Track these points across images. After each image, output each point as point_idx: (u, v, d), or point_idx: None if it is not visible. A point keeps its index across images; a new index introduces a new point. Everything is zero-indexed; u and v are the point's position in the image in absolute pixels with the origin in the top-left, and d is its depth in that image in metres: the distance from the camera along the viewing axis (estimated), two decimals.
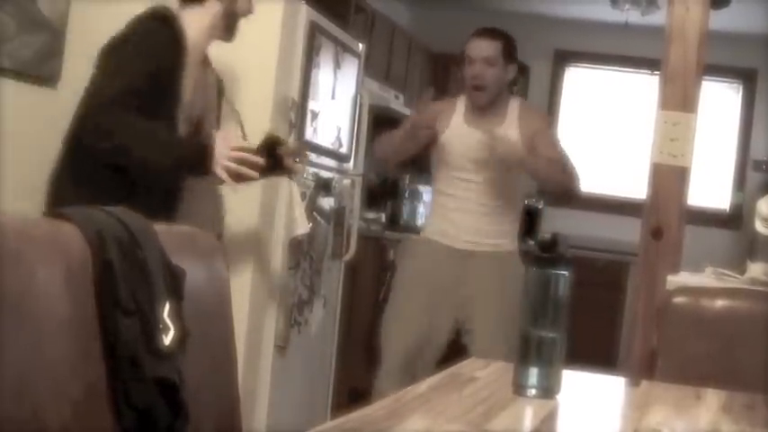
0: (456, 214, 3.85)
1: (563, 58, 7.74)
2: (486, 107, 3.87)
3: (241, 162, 2.74)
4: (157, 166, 2.77)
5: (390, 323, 3.96)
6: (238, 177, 2.77)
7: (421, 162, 7.32)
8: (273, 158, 2.91)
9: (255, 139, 2.94)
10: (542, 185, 3.83)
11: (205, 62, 3.00)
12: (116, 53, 2.75)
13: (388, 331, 3.93)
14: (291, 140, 3.15)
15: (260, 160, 2.78)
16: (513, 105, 3.92)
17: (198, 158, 2.74)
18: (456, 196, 3.86)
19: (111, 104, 2.63)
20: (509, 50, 3.90)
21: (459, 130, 3.88)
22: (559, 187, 3.79)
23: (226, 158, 2.72)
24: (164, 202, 2.84)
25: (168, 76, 2.77)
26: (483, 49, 3.85)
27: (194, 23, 2.89)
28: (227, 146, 2.75)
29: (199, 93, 2.93)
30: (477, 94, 3.86)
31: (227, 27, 3.01)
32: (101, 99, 2.66)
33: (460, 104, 3.96)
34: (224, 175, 2.74)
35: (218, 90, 3.14)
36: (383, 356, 3.90)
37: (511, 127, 3.83)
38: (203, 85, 2.97)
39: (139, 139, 2.70)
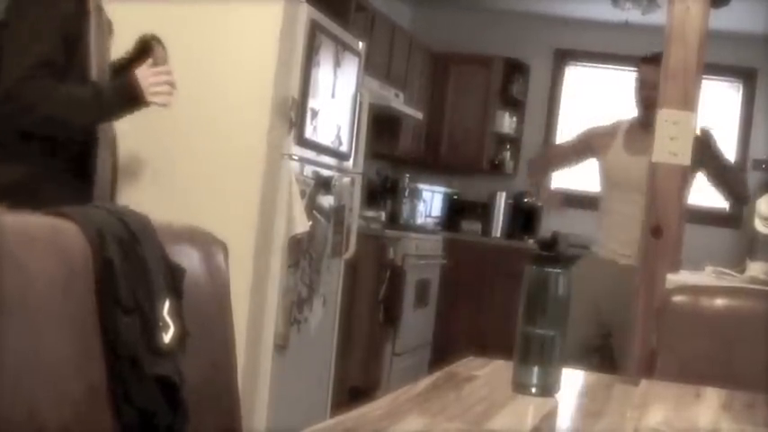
0: (619, 231, 4.11)
1: (563, 56, 7.74)
2: (647, 131, 3.90)
3: (165, 79, 2.84)
4: (92, 123, 2.81)
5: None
6: (165, 96, 2.86)
7: (421, 161, 7.34)
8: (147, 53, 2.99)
9: None
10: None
11: (100, 8, 2.95)
12: (20, 19, 2.73)
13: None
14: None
15: (171, 70, 2.87)
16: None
17: (128, 97, 2.80)
18: (619, 213, 4.12)
19: (28, 76, 2.66)
20: None
21: (618, 156, 4.18)
22: (730, 188, 4.31)
23: (153, 84, 2.80)
24: (80, 165, 2.84)
25: (76, 29, 2.77)
26: (651, 73, 4.06)
27: None
28: (146, 72, 2.83)
29: (101, 38, 2.91)
30: (647, 117, 4.01)
31: None
32: (16, 72, 2.68)
33: (622, 129, 4.24)
34: (160, 99, 2.84)
35: (111, 36, 3.08)
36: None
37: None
38: (102, 30, 2.94)
39: (64, 105, 2.73)
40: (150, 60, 2.94)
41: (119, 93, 2.84)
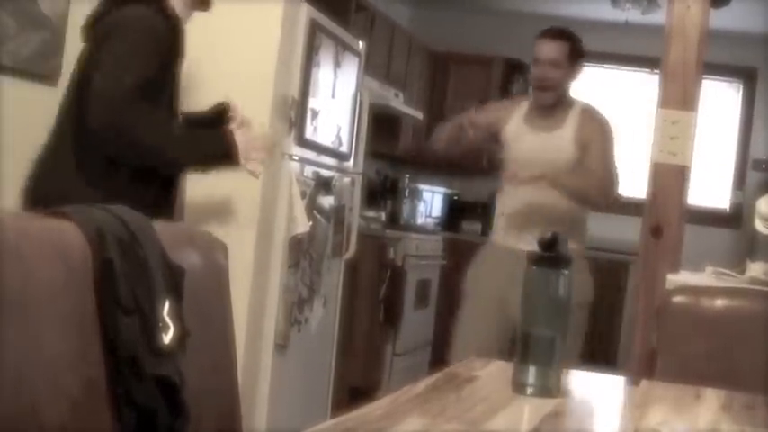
0: (521, 215, 3.83)
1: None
2: (549, 109, 3.85)
3: (257, 148, 2.81)
4: (180, 162, 2.78)
5: (461, 327, 4.00)
6: (256, 163, 2.84)
7: (420, 161, 7.34)
8: (222, 125, 2.96)
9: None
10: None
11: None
12: (120, 40, 2.62)
13: (462, 333, 3.98)
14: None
15: (272, 142, 2.87)
16: (576, 109, 3.87)
17: (222, 153, 2.77)
18: (522, 198, 3.82)
19: (123, 101, 2.53)
20: (575, 52, 3.89)
21: (517, 131, 3.89)
22: (580, 200, 3.81)
23: (252, 149, 2.78)
24: (164, 194, 2.80)
25: (169, 64, 2.72)
26: (549, 50, 3.85)
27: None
28: (247, 138, 2.80)
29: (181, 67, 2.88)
30: (541, 94, 3.87)
31: None
32: (111, 95, 2.54)
33: (524, 105, 3.96)
34: (252, 166, 2.81)
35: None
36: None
37: (567, 132, 3.82)
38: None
39: (160, 135, 2.65)
40: (235, 124, 2.91)
41: (215, 144, 2.79)
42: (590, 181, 3.75)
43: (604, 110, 3.96)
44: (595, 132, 3.82)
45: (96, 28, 2.71)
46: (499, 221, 3.94)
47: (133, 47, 2.61)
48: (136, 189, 2.64)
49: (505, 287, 3.64)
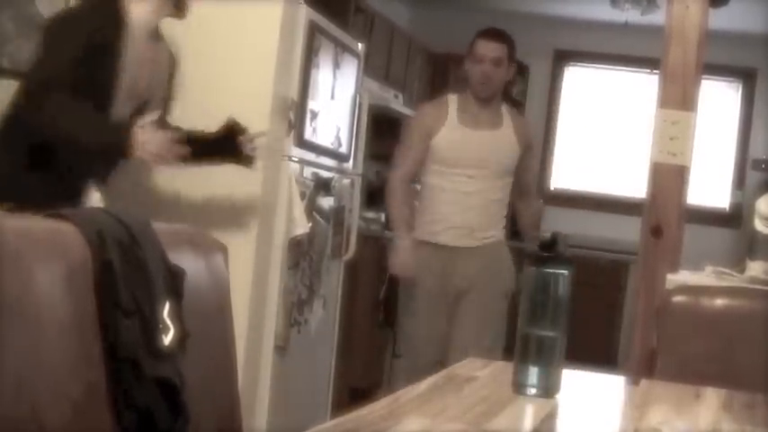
0: (449, 208, 3.97)
1: (563, 57, 7.74)
2: (482, 107, 4.02)
3: (165, 148, 2.83)
4: (81, 145, 2.84)
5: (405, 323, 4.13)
6: (160, 160, 2.88)
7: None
8: (233, 145, 3.09)
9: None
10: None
11: (156, 38, 3.00)
12: (55, 31, 2.82)
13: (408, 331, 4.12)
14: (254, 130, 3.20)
15: (183, 150, 2.86)
16: (505, 110, 4.13)
17: (119, 142, 2.82)
18: (450, 191, 3.97)
19: (45, 84, 2.72)
20: (512, 52, 4.09)
21: (454, 131, 3.99)
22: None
23: (150, 143, 2.80)
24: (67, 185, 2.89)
25: (105, 52, 2.81)
26: (492, 49, 4.00)
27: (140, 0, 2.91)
28: (152, 130, 2.85)
29: (145, 69, 2.94)
30: (483, 90, 4.00)
31: (177, 3, 3.00)
32: (35, 78, 2.77)
33: (452, 103, 4.06)
34: (148, 158, 2.84)
35: (172, 66, 3.13)
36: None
37: (509, 130, 4.05)
38: (152, 62, 2.98)
39: (68, 118, 2.77)
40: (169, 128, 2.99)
41: (115, 130, 2.87)
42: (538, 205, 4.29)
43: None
44: (530, 136, 4.21)
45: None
46: (426, 219, 4.05)
47: (55, 41, 2.79)
48: (40, 177, 2.82)
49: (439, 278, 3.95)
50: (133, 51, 2.87)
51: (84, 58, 2.74)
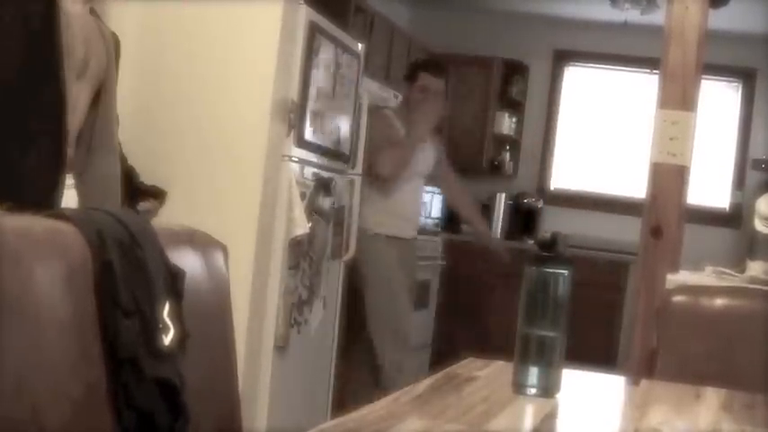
0: (404, 207, 4.70)
1: (562, 57, 7.74)
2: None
3: None
4: None
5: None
6: None
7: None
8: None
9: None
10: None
11: (93, 15, 2.85)
12: None
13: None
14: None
15: None
16: None
17: None
18: (403, 192, 4.65)
19: None
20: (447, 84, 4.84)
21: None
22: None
23: None
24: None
25: (44, 27, 2.65)
26: (437, 84, 4.63)
27: None
28: None
29: (92, 48, 2.79)
30: (429, 120, 4.60)
31: None
32: None
33: (398, 118, 4.69)
34: None
35: (116, 47, 2.96)
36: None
37: (432, 145, 4.85)
38: (96, 40, 2.82)
39: None
40: None
41: None
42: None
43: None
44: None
45: None
46: (389, 214, 4.62)
47: None
48: None
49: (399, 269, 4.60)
50: (74, 28, 2.71)
51: (23, 39, 2.62)
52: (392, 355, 4.37)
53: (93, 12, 2.85)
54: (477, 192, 7.56)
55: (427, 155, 4.76)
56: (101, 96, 2.83)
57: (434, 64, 4.74)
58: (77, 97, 2.74)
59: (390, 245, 4.59)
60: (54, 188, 2.69)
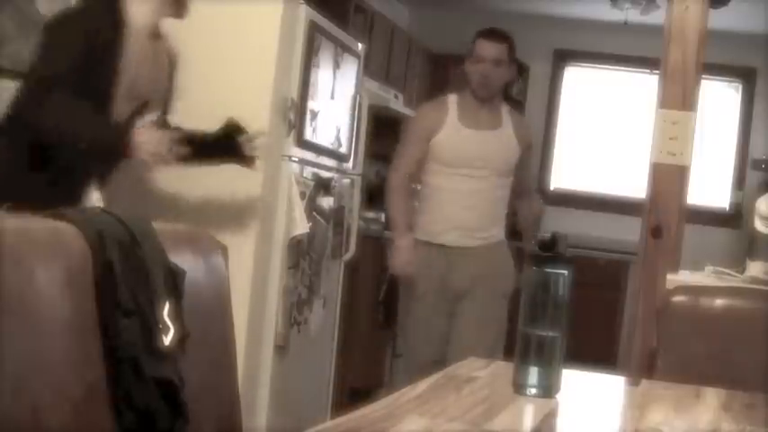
0: (449, 207, 3.97)
1: (562, 57, 7.74)
2: (482, 107, 4.01)
3: (165, 148, 2.83)
4: (80, 145, 2.83)
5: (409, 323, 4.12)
6: (159, 160, 2.88)
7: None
8: (233, 145, 3.08)
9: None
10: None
11: (156, 37, 2.99)
12: (54, 31, 2.82)
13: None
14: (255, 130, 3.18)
15: (182, 150, 2.86)
16: (505, 110, 4.12)
17: (118, 142, 2.81)
18: (450, 191, 3.97)
19: (44, 83, 2.72)
20: (512, 52, 4.08)
21: (455, 131, 3.98)
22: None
23: (149, 143, 2.81)
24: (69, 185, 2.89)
25: (105, 52, 2.81)
26: (492, 49, 3.99)
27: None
28: (151, 130, 2.85)
29: (145, 68, 2.94)
30: (483, 90, 3.99)
31: (177, 3, 2.99)
32: (35, 77, 2.77)
33: (452, 103, 4.04)
34: (147, 158, 2.84)
35: (172, 66, 3.12)
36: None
37: (508, 130, 4.04)
38: (151, 61, 2.97)
39: (68, 118, 2.77)
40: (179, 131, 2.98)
41: (107, 132, 2.86)
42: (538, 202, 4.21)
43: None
44: (530, 136, 4.19)
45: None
46: (427, 219, 4.04)
47: (55, 41, 2.79)
48: (48, 172, 2.81)
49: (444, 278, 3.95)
50: (133, 51, 2.86)
51: (83, 58, 2.74)
52: (406, 352, 4.19)
53: (156, 29, 2.98)
54: None
55: (491, 143, 3.98)
56: (141, 112, 2.97)
57: (489, 29, 4.09)
58: (119, 113, 2.88)
59: (420, 249, 3.97)
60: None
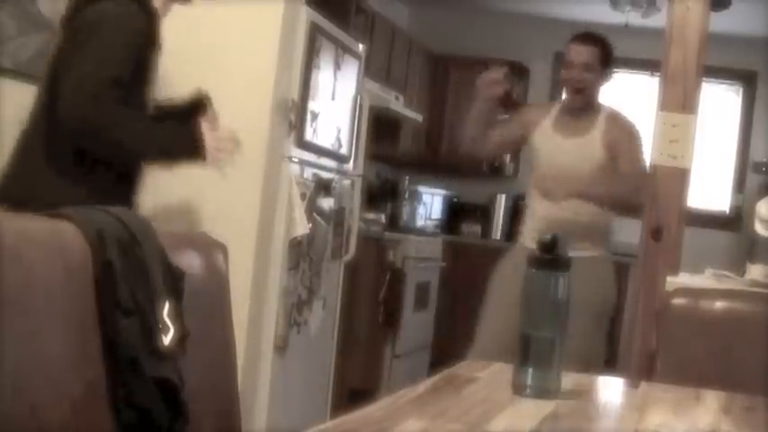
0: (543, 216, 3.87)
1: (563, 59, 7.73)
2: (578, 113, 3.93)
3: (225, 146, 2.85)
4: (150, 156, 2.81)
5: (482, 320, 4.01)
6: (218, 158, 2.86)
7: (421, 163, 7.34)
8: (198, 113, 2.99)
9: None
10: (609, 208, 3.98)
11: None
12: (96, 37, 2.65)
13: (481, 326, 4.01)
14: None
15: (236, 140, 2.88)
16: (604, 114, 3.99)
17: (190, 147, 2.79)
18: (543, 199, 3.89)
19: (99, 97, 2.57)
20: (606, 56, 3.99)
21: (545, 135, 3.95)
22: (623, 208, 4.00)
23: (217, 146, 2.81)
24: (127, 186, 2.82)
25: (145, 58, 2.74)
26: (582, 54, 3.92)
27: None
28: (214, 135, 2.84)
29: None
30: (574, 96, 3.94)
31: None
32: (87, 90, 2.58)
33: (553, 110, 4.02)
34: (215, 162, 2.84)
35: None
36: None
37: (595, 135, 3.91)
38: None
39: (133, 134, 2.69)
40: (207, 119, 2.93)
41: (184, 139, 2.81)
42: (627, 186, 3.85)
43: (630, 114, 4.04)
44: (622, 133, 3.93)
45: (73, 24, 2.73)
46: (527, 225, 3.98)
47: (110, 43, 2.64)
48: (101, 180, 2.70)
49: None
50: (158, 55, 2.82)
51: (131, 69, 2.66)
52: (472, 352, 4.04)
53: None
54: (476, 193, 7.57)
55: (570, 153, 3.89)
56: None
57: (582, 33, 3.98)
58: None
59: (516, 253, 3.91)
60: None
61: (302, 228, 3.73)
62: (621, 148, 3.88)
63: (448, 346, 6.36)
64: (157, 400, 1.44)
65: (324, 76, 3.94)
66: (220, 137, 2.85)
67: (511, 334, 3.78)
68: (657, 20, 5.09)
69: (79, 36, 2.67)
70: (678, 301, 2.35)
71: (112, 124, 2.63)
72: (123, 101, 2.63)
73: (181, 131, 2.85)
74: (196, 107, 3.01)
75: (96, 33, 2.65)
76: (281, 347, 3.75)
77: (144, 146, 2.75)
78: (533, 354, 1.64)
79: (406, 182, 7.11)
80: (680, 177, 3.67)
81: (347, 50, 4.24)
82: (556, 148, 3.89)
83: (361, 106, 4.55)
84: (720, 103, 7.41)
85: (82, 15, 2.70)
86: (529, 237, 3.88)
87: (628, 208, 3.93)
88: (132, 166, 2.82)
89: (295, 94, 3.71)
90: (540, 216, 3.87)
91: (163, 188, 3.56)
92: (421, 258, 6.05)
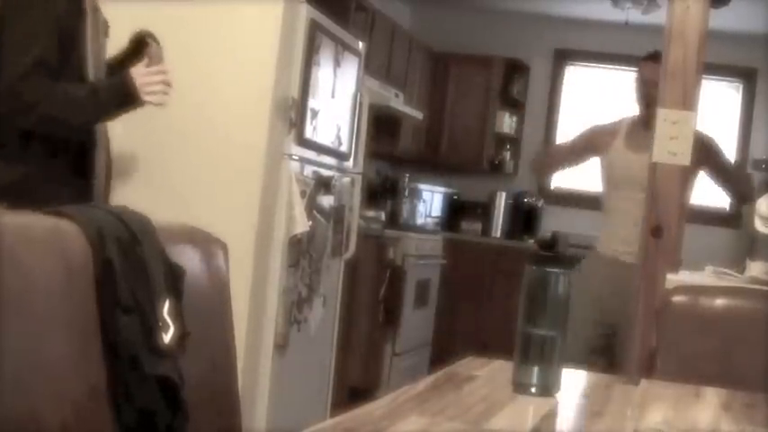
0: (621, 229, 4.15)
1: (563, 56, 7.74)
2: (647, 129, 3.93)
3: (160, 79, 2.83)
4: (89, 122, 2.81)
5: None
6: (158, 97, 2.86)
7: (421, 161, 7.34)
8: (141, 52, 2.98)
9: None
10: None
11: (95, 10, 2.92)
12: (20, 18, 2.71)
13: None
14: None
15: (167, 69, 2.86)
16: None
17: (123, 96, 2.79)
18: (620, 211, 4.17)
19: (28, 76, 2.65)
20: None
21: (620, 154, 4.21)
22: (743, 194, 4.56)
23: (147, 83, 2.80)
24: (80, 166, 2.83)
25: (71, 29, 2.75)
26: (656, 71, 3.92)
27: None
28: (141, 71, 2.83)
29: (97, 38, 2.89)
30: (650, 111, 3.96)
31: None
32: (16, 71, 2.66)
33: (624, 127, 4.27)
34: (155, 98, 2.83)
35: (105, 32, 3.04)
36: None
37: None
38: (98, 31, 2.92)
39: (62, 104, 2.72)
40: (146, 59, 2.92)
41: (114, 92, 2.82)
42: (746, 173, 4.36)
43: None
44: (699, 148, 3.87)
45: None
46: (604, 232, 4.28)
47: (30, 26, 2.69)
48: (46, 161, 2.74)
49: (604, 292, 4.11)
50: (90, 25, 2.80)
51: (57, 43, 2.69)
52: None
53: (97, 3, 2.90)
54: (477, 191, 7.57)
55: (645, 166, 3.98)
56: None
57: (653, 52, 4.15)
58: None
59: (595, 264, 4.17)
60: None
61: (302, 225, 3.73)
62: (700, 159, 3.95)
63: (448, 344, 6.37)
64: (157, 398, 1.44)
65: (324, 73, 3.94)
66: (150, 77, 2.82)
67: (587, 336, 3.99)
68: (657, 17, 5.08)
69: (3, 22, 2.73)
70: (678, 298, 2.35)
71: (41, 100, 2.67)
72: (57, 74, 2.68)
73: (111, 86, 2.84)
74: (138, 49, 3.00)
75: (17, 18, 2.72)
76: (281, 345, 3.75)
77: (78, 114, 2.77)
78: (533, 351, 1.64)
79: (406, 179, 7.11)
80: (680, 174, 3.67)
81: (347, 48, 4.24)
82: (627, 163, 4.16)
83: (361, 104, 4.55)
84: (720, 100, 7.40)
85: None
86: (610, 247, 4.19)
87: (746, 193, 4.50)
88: (85, 147, 2.83)
89: (295, 91, 3.71)
90: (619, 228, 4.15)
91: (162, 185, 3.56)
92: (421, 256, 6.05)
